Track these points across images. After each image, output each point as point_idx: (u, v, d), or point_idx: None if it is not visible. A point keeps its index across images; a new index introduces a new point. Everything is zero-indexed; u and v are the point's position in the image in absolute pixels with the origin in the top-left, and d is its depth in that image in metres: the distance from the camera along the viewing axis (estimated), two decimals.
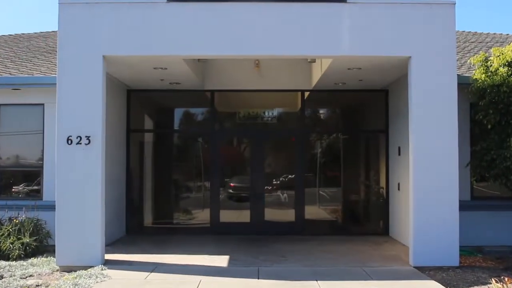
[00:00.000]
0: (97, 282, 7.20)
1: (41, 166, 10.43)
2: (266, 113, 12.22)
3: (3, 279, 7.54)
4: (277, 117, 12.27)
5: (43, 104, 10.40)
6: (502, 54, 9.29)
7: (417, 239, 8.27)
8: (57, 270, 8.10)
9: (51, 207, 8.86)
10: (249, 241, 10.52)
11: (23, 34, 15.57)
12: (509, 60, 9.16)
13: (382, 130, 11.55)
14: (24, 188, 10.76)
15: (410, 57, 8.40)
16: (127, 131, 11.46)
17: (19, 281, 7.40)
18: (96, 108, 8.28)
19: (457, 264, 8.27)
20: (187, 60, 9.20)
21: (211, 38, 8.37)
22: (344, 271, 7.99)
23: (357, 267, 8.23)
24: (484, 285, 7.25)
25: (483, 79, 9.22)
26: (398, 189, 10.60)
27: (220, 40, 8.39)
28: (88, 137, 8.22)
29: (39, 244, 9.26)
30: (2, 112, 10.61)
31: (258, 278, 7.55)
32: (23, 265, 8.42)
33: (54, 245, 8.35)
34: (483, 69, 9.40)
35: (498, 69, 9.17)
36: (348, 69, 9.55)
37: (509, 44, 9.50)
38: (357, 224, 12.24)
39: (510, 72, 9.03)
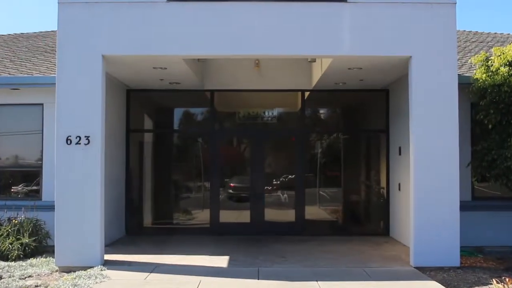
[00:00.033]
0: (96, 283, 7.18)
1: (40, 166, 10.41)
2: (266, 113, 12.19)
3: (2, 280, 7.51)
4: (277, 117, 12.24)
5: (42, 104, 10.39)
6: (503, 53, 9.26)
7: (417, 239, 8.25)
8: (56, 271, 8.08)
9: (50, 207, 8.83)
10: (249, 242, 10.50)
11: (22, 33, 15.54)
12: (510, 59, 9.13)
13: (383, 130, 11.52)
14: (23, 188, 10.74)
15: (411, 56, 8.37)
16: (127, 131, 11.43)
17: (18, 281, 7.38)
18: (95, 108, 8.26)
19: (457, 264, 8.25)
20: (186, 60, 9.18)
21: (211, 37, 8.34)
22: (345, 272, 7.97)
23: (358, 268, 8.21)
24: (485, 285, 7.23)
25: (484, 78, 9.19)
26: (399, 189, 10.57)
27: (220, 39, 8.36)
28: (87, 137, 8.20)
29: (38, 245, 9.23)
30: (1, 112, 10.59)
31: (258, 279, 7.53)
32: (22, 265, 8.40)
33: (53, 246, 8.32)
34: (484, 69, 9.37)
35: (499, 68, 9.15)
36: (349, 69, 9.52)
37: (510, 44, 9.48)
38: (357, 224, 12.21)
39: (511, 72, 9.00)
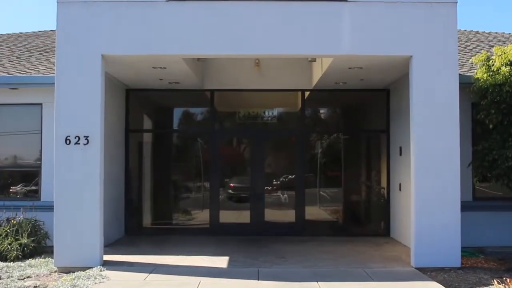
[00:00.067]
0: (95, 283, 7.14)
1: (39, 166, 10.38)
2: (266, 113, 12.16)
3: (0, 280, 7.47)
4: (277, 117, 12.21)
5: (41, 104, 10.36)
6: (504, 53, 9.22)
7: (418, 239, 8.21)
8: (55, 271, 8.04)
9: (49, 207, 8.77)
10: (249, 242, 10.46)
11: (21, 33, 15.53)
12: (511, 59, 9.09)
13: (383, 130, 11.48)
14: (22, 189, 10.71)
15: (411, 56, 8.33)
16: (126, 131, 11.39)
17: (17, 282, 7.34)
18: (94, 107, 8.22)
19: (458, 265, 8.21)
20: (186, 60, 9.14)
21: (211, 37, 8.31)
22: (345, 272, 7.93)
23: (358, 268, 8.17)
24: (486, 286, 7.20)
25: (485, 78, 9.16)
26: (399, 189, 10.53)
27: (220, 39, 8.33)
28: (86, 137, 8.16)
29: (37, 245, 9.19)
30: (0, 112, 10.55)
31: (258, 279, 7.49)
32: (21, 266, 8.36)
33: (52, 246, 8.29)
34: (485, 68, 9.34)
35: (500, 68, 9.11)
36: (349, 68, 9.49)
37: (511, 43, 9.44)
38: (358, 224, 12.18)
39: None
